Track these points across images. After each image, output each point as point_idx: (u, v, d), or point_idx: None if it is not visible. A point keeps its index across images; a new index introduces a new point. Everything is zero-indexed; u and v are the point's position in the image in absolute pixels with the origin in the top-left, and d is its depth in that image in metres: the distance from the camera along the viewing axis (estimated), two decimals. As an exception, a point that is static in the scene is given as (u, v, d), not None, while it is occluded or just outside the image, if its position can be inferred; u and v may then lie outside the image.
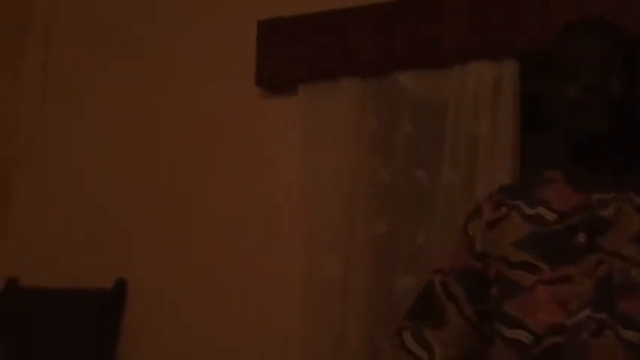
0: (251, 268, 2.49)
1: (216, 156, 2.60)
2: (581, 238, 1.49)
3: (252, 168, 2.55)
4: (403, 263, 2.27)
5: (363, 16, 2.38)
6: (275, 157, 2.52)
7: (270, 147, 2.53)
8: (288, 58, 2.47)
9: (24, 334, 2.64)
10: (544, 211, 1.56)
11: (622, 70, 1.53)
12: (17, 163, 2.85)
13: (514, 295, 1.51)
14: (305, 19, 2.46)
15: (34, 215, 2.81)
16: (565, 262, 1.47)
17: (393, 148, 2.34)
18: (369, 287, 2.30)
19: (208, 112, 2.62)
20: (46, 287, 2.67)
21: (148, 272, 2.62)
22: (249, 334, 2.46)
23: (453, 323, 1.60)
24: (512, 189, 1.68)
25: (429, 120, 2.32)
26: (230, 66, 2.60)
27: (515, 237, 1.56)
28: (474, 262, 1.60)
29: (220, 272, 2.53)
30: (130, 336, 2.61)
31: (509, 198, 1.62)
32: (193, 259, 2.58)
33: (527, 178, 1.73)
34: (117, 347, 2.61)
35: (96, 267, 2.67)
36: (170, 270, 2.60)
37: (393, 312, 2.20)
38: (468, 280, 1.61)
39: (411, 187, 2.31)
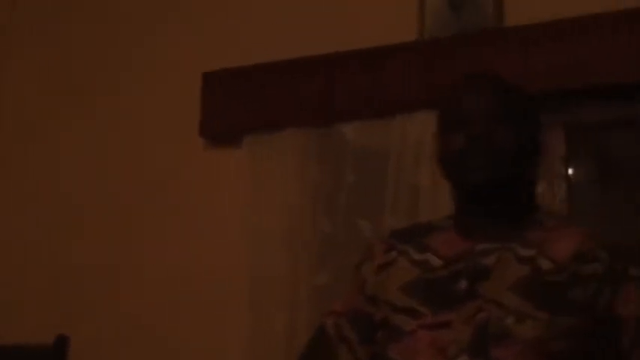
0: (194, 324, 2.47)
1: (160, 207, 2.59)
2: (463, 285, 1.50)
3: (196, 218, 2.54)
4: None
5: (305, 68, 2.42)
6: (219, 207, 2.51)
7: (215, 197, 2.52)
8: (232, 109, 2.49)
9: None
10: (431, 257, 1.58)
11: (509, 122, 1.55)
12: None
13: (396, 339, 1.52)
14: (249, 71, 2.49)
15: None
16: (446, 308, 1.49)
17: (335, 197, 2.36)
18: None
19: (152, 163, 2.63)
20: (-16, 344, 2.61)
21: (89, 328, 2.58)
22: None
23: None
24: (403, 233, 1.69)
25: (371, 169, 2.34)
26: (174, 117, 2.61)
27: (401, 281, 1.58)
28: (365, 304, 1.62)
29: (162, 328, 2.51)
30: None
31: (400, 242, 1.63)
32: (135, 314, 2.55)
33: (419, 224, 1.77)
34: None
35: (36, 323, 2.61)
36: (112, 326, 2.57)
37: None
38: (360, 322, 1.61)
39: (354, 236, 2.32)
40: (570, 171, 2.26)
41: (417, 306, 1.52)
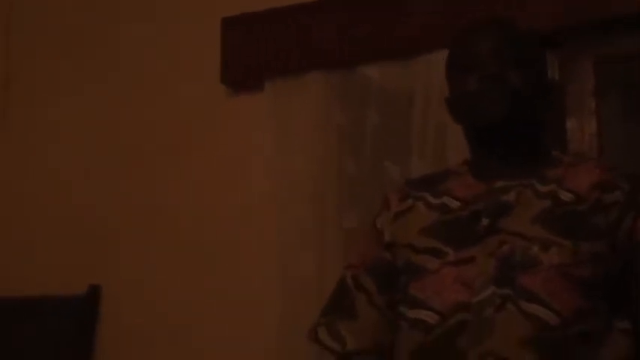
0: (225, 269, 2.48)
1: (186, 156, 2.58)
2: (484, 222, 1.53)
3: (221, 166, 2.53)
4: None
5: (326, 9, 2.37)
6: (244, 155, 2.50)
7: (239, 144, 2.51)
8: (253, 54, 2.45)
9: (-2, 345, 2.61)
10: (448, 200, 1.61)
11: (521, 63, 1.58)
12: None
13: (419, 278, 1.56)
14: (268, 15, 2.44)
15: (2, 222, 2.77)
16: (469, 244, 1.52)
17: (361, 140, 2.34)
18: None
19: (175, 113, 2.60)
20: (18, 296, 2.64)
21: (121, 277, 2.60)
22: (227, 336, 2.44)
23: (364, 314, 1.64)
24: (418, 181, 1.73)
25: (396, 110, 2.31)
26: (195, 65, 2.59)
27: (421, 225, 1.61)
28: (384, 253, 1.65)
29: (195, 274, 2.51)
30: (106, 342, 2.58)
31: (416, 190, 1.67)
32: (166, 262, 2.55)
33: (434, 172, 1.80)
34: (93, 353, 2.58)
35: (69, 274, 2.64)
36: (144, 274, 2.57)
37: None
38: (378, 271, 1.65)
39: (380, 178, 2.30)
40: (600, 105, 2.22)
41: (439, 245, 1.55)
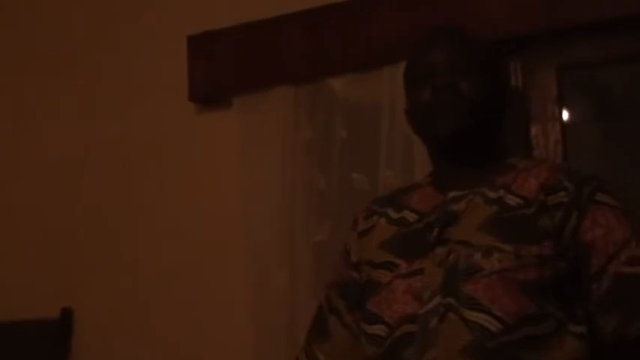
0: (198, 287, 2.47)
1: (155, 175, 2.59)
2: (434, 232, 1.54)
3: (190, 184, 2.54)
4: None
5: (291, 24, 2.38)
6: (213, 170, 2.50)
7: (208, 161, 2.52)
8: (220, 71, 2.46)
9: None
10: (407, 213, 1.64)
11: (473, 73, 1.59)
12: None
13: (375, 292, 1.58)
14: (234, 31, 2.45)
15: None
16: (419, 256, 1.53)
17: (329, 154, 2.34)
18: (315, 295, 2.26)
19: (143, 130, 2.61)
20: (-10, 321, 2.62)
21: (94, 301, 2.59)
22: (202, 354, 2.43)
23: (336, 334, 1.68)
24: (384, 198, 1.75)
25: (363, 123, 2.32)
26: (162, 83, 2.59)
27: (380, 239, 1.64)
28: (352, 273, 1.68)
29: (167, 294, 2.51)
30: (80, 364, 2.56)
31: (380, 207, 1.70)
32: (139, 284, 2.55)
33: (401, 187, 1.81)
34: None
35: (41, 297, 2.63)
36: (117, 297, 2.57)
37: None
38: (347, 291, 1.68)
39: (349, 191, 2.30)
40: (564, 112, 2.23)
41: (393, 259, 1.57)
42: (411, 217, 1.62)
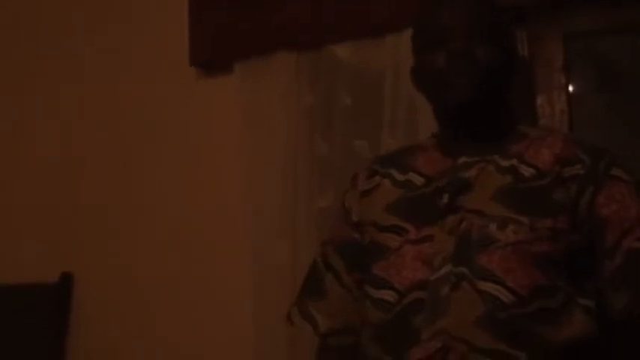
0: (197, 256, 2.47)
1: (157, 140, 2.57)
2: (445, 199, 1.52)
3: (192, 151, 2.52)
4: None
5: (295, -10, 2.36)
6: (213, 137, 2.49)
7: (209, 126, 2.50)
8: (222, 36, 2.43)
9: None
10: (414, 176, 1.60)
11: (489, 39, 1.55)
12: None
13: (382, 257, 1.54)
14: (236, -5, 2.43)
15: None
16: (429, 222, 1.51)
17: (331, 120, 2.32)
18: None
19: (144, 96, 2.59)
20: (-10, 284, 2.62)
21: (93, 265, 2.59)
22: (202, 324, 2.43)
23: (333, 294, 1.64)
24: (386, 158, 1.72)
25: (366, 89, 2.31)
26: (164, 47, 2.56)
27: (385, 202, 1.60)
28: (352, 232, 1.65)
29: (167, 261, 2.50)
30: (78, 329, 2.57)
31: (383, 167, 1.66)
32: (139, 249, 2.54)
33: (403, 147, 1.77)
34: (66, 340, 2.56)
35: (41, 261, 2.62)
36: (116, 262, 2.56)
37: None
38: (346, 250, 1.65)
39: (352, 157, 2.29)
40: (570, 81, 2.22)
41: (401, 223, 1.54)
42: (418, 180, 1.58)
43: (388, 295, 1.50)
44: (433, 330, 1.43)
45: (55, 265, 2.60)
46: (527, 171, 1.50)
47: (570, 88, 2.21)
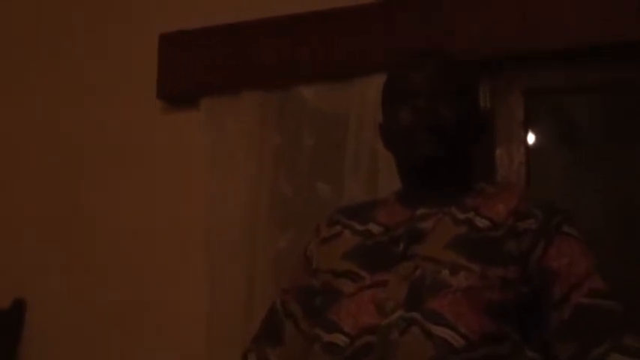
0: (154, 286, 2.46)
1: (118, 169, 2.56)
2: (400, 247, 1.56)
3: (153, 182, 2.52)
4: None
5: (264, 30, 2.38)
6: (176, 171, 2.49)
7: (173, 160, 2.50)
8: (190, 71, 2.44)
9: None
10: (372, 226, 1.65)
11: (455, 98, 1.60)
12: None
13: (336, 301, 1.57)
14: (207, 32, 2.44)
15: None
16: (384, 268, 1.54)
17: (295, 161, 2.34)
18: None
19: (109, 126, 2.58)
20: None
21: (46, 291, 2.56)
22: (152, 352, 2.42)
23: (291, 340, 1.67)
24: (349, 209, 1.76)
25: (330, 133, 2.33)
26: (132, 79, 2.57)
27: (343, 249, 1.64)
28: (311, 280, 1.68)
29: (122, 289, 2.49)
30: (30, 356, 2.54)
31: (345, 217, 1.71)
32: (94, 275, 2.52)
33: (365, 201, 1.84)
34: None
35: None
36: (70, 288, 2.54)
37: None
38: (305, 297, 1.68)
39: (314, 200, 2.30)
40: (529, 135, 2.27)
41: (357, 269, 1.57)
42: (375, 229, 1.63)
43: (338, 339, 1.52)
44: None
45: (7, 291, 2.57)
46: (482, 222, 1.55)
47: (530, 142, 2.26)
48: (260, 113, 2.36)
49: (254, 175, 2.34)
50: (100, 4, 2.66)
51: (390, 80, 1.69)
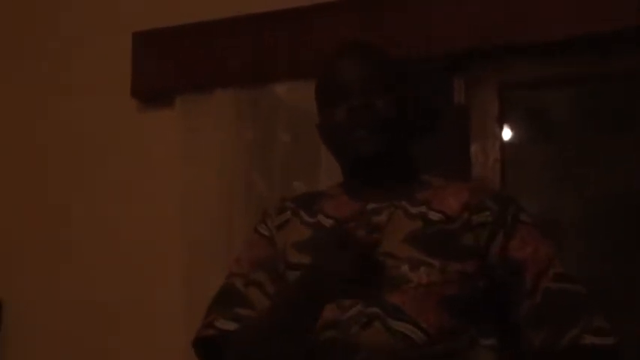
0: (130, 283, 2.45)
1: (94, 168, 2.55)
2: None
3: (129, 180, 2.51)
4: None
5: (236, 27, 2.37)
6: (152, 169, 2.48)
7: (147, 158, 2.49)
8: (164, 69, 2.44)
9: None
10: (323, 218, 1.62)
11: (388, 91, 1.57)
12: None
13: None
14: (180, 30, 2.43)
15: None
16: None
17: (270, 158, 2.33)
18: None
19: (84, 124, 2.57)
20: None
21: (23, 291, 2.56)
22: (129, 350, 2.42)
23: (260, 304, 1.57)
24: (295, 199, 1.72)
25: (305, 130, 2.30)
26: (106, 78, 2.56)
27: (294, 240, 1.61)
28: (272, 250, 1.62)
29: (99, 287, 2.48)
30: (7, 356, 2.53)
31: (293, 205, 1.67)
32: (71, 275, 2.52)
33: (310, 192, 1.80)
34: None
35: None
36: (47, 287, 2.54)
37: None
38: (268, 265, 1.61)
39: (289, 197, 2.29)
40: (504, 131, 2.26)
41: (310, 262, 1.52)
42: (326, 222, 1.60)
43: None
44: None
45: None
46: (435, 216, 1.55)
47: (505, 138, 2.25)
48: (234, 111, 2.36)
49: (229, 172, 2.33)
50: (74, 3, 2.65)
51: (321, 79, 1.65)
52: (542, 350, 1.48)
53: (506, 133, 2.28)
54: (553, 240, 1.57)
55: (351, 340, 1.46)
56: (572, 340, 1.45)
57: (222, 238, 2.30)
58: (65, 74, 2.61)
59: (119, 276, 2.47)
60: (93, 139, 2.56)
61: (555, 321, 1.48)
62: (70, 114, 2.59)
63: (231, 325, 1.56)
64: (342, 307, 1.48)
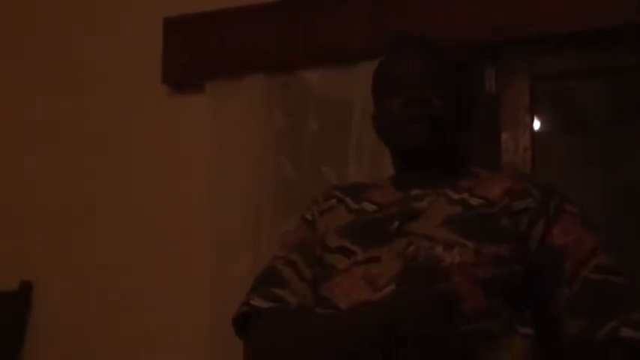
0: (159, 269, 2.47)
1: (124, 154, 2.57)
2: (395, 224, 1.55)
3: (159, 166, 2.52)
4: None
5: (268, 14, 2.37)
6: (182, 154, 2.50)
7: (178, 144, 2.50)
8: (195, 55, 2.44)
9: None
10: (366, 204, 1.65)
11: (445, 87, 1.60)
12: None
13: (329, 277, 1.57)
14: (211, 16, 2.44)
15: None
16: (377, 245, 1.54)
17: (299, 144, 2.34)
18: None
19: (115, 110, 2.59)
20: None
21: (53, 273, 2.57)
22: (158, 335, 2.43)
23: (295, 284, 1.60)
24: (344, 187, 1.76)
25: (335, 117, 2.32)
26: (136, 64, 2.57)
27: (337, 224, 1.64)
28: (312, 235, 1.66)
29: (128, 271, 2.50)
30: (36, 338, 2.56)
31: (340, 193, 1.71)
32: (100, 260, 2.54)
33: (359, 182, 1.83)
34: (24, 349, 2.55)
35: (0, 269, 2.60)
36: (76, 271, 2.56)
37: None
38: (306, 248, 1.65)
39: (318, 184, 2.29)
40: (535, 121, 2.26)
41: (350, 245, 1.57)
42: (369, 207, 1.63)
43: None
44: None
45: (15, 273, 2.58)
46: (475, 201, 1.55)
47: (535, 127, 2.26)
48: (264, 97, 2.37)
49: (258, 158, 2.35)
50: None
51: (379, 70, 1.68)
52: (578, 339, 1.46)
53: (537, 123, 2.28)
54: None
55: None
56: (610, 332, 1.43)
57: (251, 222, 2.32)
58: (96, 61, 2.63)
59: (147, 262, 2.48)
60: (124, 126, 2.57)
61: (594, 311, 1.46)
62: (102, 102, 2.61)
63: (264, 304, 1.58)
64: (376, 286, 1.48)
